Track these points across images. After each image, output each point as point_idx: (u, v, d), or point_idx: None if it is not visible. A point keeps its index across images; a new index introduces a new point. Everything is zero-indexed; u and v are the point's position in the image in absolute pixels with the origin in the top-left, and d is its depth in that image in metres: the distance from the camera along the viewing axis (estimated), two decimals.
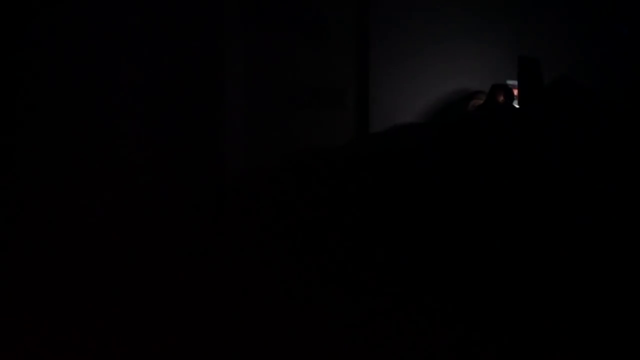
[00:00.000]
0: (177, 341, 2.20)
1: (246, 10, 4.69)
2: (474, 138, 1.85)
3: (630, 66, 4.99)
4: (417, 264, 1.71)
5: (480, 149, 1.79)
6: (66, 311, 2.92)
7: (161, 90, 4.29)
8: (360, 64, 4.93)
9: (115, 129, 4.07)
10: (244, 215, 2.19)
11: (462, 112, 4.72)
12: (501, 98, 4.41)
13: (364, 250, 1.80)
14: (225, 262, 2.22)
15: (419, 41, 4.99)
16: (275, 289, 1.94)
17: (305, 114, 4.78)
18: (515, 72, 3.49)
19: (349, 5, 4.91)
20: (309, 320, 1.83)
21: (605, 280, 1.58)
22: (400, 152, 1.89)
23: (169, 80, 4.31)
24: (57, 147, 3.87)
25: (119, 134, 4.08)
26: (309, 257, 1.89)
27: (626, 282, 1.57)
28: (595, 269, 1.59)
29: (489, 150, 1.79)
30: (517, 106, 3.85)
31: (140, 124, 4.19)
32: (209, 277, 2.35)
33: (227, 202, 3.47)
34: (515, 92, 4.37)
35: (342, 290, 1.83)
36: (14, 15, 3.75)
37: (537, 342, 1.58)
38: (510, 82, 4.55)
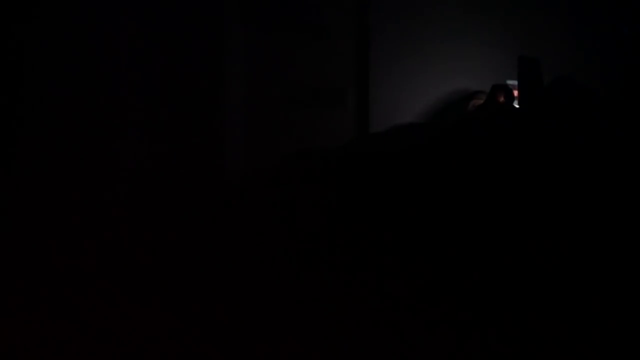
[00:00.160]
0: (177, 341, 2.20)
1: (246, 10, 4.69)
2: (474, 138, 1.85)
3: (630, 66, 4.98)
4: (418, 264, 1.71)
5: (480, 149, 1.79)
6: (66, 311, 2.92)
7: (161, 90, 4.29)
8: (360, 64, 4.93)
9: (115, 129, 4.06)
10: (244, 215, 2.19)
11: (462, 112, 4.72)
12: (501, 98, 4.41)
13: (364, 250, 1.80)
14: (226, 262, 2.22)
15: (419, 41, 4.99)
16: (276, 290, 1.94)
17: (305, 114, 4.78)
18: (515, 72, 3.49)
19: (349, 5, 4.91)
20: (309, 320, 1.83)
21: (606, 281, 1.58)
22: (400, 153, 1.89)
23: (169, 80, 4.31)
24: (57, 147, 3.87)
25: (119, 134, 4.08)
26: (309, 258, 1.89)
27: (627, 283, 1.57)
28: (596, 270, 1.59)
29: (489, 151, 1.78)
30: (517, 106, 3.85)
31: (139, 123, 4.19)
32: (209, 277, 2.35)
33: (227, 202, 3.46)
34: (515, 92, 4.37)
35: (343, 290, 1.83)
36: (13, 14, 3.75)
37: (538, 343, 1.58)
38: (510, 82, 4.55)
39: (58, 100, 3.89)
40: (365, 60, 4.94)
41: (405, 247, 1.72)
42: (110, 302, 2.77)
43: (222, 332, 2.07)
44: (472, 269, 1.64)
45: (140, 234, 3.37)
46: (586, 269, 1.60)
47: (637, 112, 2.00)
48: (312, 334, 1.82)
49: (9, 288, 3.09)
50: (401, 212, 1.75)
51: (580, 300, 1.58)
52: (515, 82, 3.97)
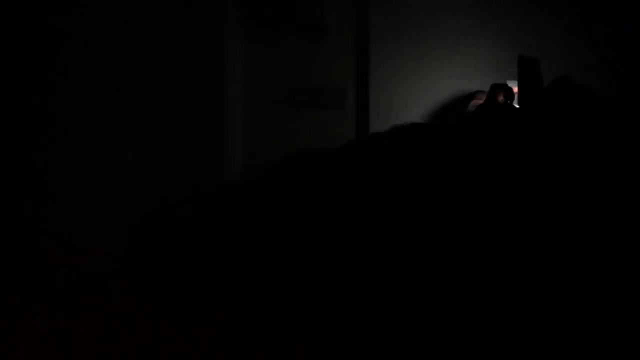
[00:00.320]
0: (177, 341, 2.20)
1: (246, 10, 4.70)
2: (474, 138, 1.85)
3: (630, 66, 4.99)
4: (418, 264, 1.71)
5: (480, 149, 1.79)
6: (66, 311, 2.92)
7: (161, 90, 4.29)
8: (360, 64, 4.94)
9: (115, 129, 4.07)
10: (244, 215, 2.19)
11: (462, 112, 4.72)
12: (501, 98, 4.42)
13: (364, 250, 1.80)
14: (226, 262, 2.22)
15: (419, 41, 4.99)
16: (277, 290, 1.94)
17: (305, 114, 4.79)
18: (515, 72, 3.49)
19: (348, 5, 4.91)
20: (310, 320, 1.83)
21: (607, 283, 1.59)
22: (400, 153, 1.89)
23: (169, 80, 4.31)
24: (56, 147, 3.87)
25: (119, 134, 4.08)
26: (309, 258, 1.89)
27: (628, 285, 1.57)
28: (596, 271, 1.59)
29: (489, 151, 1.79)
30: (517, 106, 3.86)
31: (139, 123, 4.19)
32: (209, 278, 2.35)
33: (226, 202, 3.46)
34: (515, 91, 4.38)
35: (342, 291, 1.84)
36: (12, 12, 3.75)
37: (538, 343, 1.58)
38: (510, 82, 4.55)
39: (58, 100, 3.89)
40: (365, 60, 4.94)
41: (406, 248, 1.72)
42: (109, 302, 2.77)
43: (223, 332, 2.08)
44: (473, 269, 1.64)
45: (140, 234, 3.37)
46: (586, 270, 1.60)
47: (637, 112, 2.01)
48: (312, 334, 1.83)
49: (9, 288, 3.09)
50: (401, 213, 1.75)
51: (580, 301, 1.58)
52: (515, 82, 3.97)
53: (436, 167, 1.77)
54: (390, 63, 4.95)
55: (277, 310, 1.88)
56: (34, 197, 3.73)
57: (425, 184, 1.73)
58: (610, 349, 1.54)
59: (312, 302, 1.80)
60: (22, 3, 3.78)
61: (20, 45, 3.78)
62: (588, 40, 5.09)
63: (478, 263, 1.62)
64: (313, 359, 1.75)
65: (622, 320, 1.54)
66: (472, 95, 4.83)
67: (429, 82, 4.99)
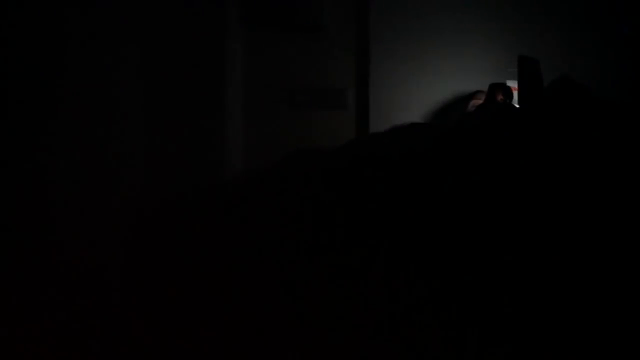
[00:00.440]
0: (176, 341, 2.20)
1: (246, 10, 4.70)
2: (474, 138, 1.85)
3: (630, 66, 4.99)
4: (418, 264, 1.71)
5: (480, 149, 1.79)
6: (65, 311, 2.92)
7: (160, 90, 4.29)
8: (360, 64, 4.94)
9: (114, 129, 4.07)
10: (244, 215, 2.19)
11: (462, 112, 4.72)
12: (500, 97, 4.42)
13: (364, 250, 1.80)
14: (225, 262, 2.22)
15: (419, 41, 4.99)
16: (276, 290, 1.94)
17: (305, 114, 4.79)
18: (515, 72, 3.49)
19: (348, 5, 4.91)
20: (310, 321, 1.83)
21: (607, 283, 1.58)
22: (400, 153, 1.89)
23: (168, 80, 4.31)
24: (56, 146, 3.87)
25: (118, 134, 4.08)
26: (308, 258, 1.89)
27: (628, 285, 1.57)
28: (597, 272, 1.59)
29: (488, 151, 1.78)
30: (516, 106, 3.86)
31: (138, 123, 4.19)
32: (209, 278, 2.35)
33: (227, 202, 3.46)
34: (515, 90, 4.38)
35: (342, 291, 1.84)
36: (12, 11, 3.75)
37: (538, 344, 1.58)
38: (510, 82, 4.56)
39: (57, 100, 3.89)
40: (365, 60, 4.94)
41: (405, 248, 1.72)
42: (109, 303, 2.77)
43: (223, 332, 2.07)
44: (473, 269, 1.64)
45: (139, 234, 3.37)
46: (587, 270, 1.60)
47: (637, 112, 2.01)
48: (311, 336, 1.83)
49: (9, 289, 3.09)
50: (401, 213, 1.75)
51: (580, 302, 1.58)
52: (515, 82, 3.97)
53: (436, 167, 1.77)
54: (390, 63, 4.95)
55: (277, 310, 1.88)
56: (34, 196, 3.73)
57: (425, 183, 1.73)
58: (610, 349, 1.54)
59: (312, 302, 1.80)
60: (22, 3, 3.78)
61: (20, 45, 3.78)
62: (588, 40, 5.09)
63: (478, 263, 1.62)
64: (309, 357, 1.75)
65: (622, 321, 1.54)
66: (472, 95, 4.83)
67: (429, 82, 4.99)
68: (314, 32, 4.80)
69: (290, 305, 1.88)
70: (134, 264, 2.69)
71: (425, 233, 1.71)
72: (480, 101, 4.62)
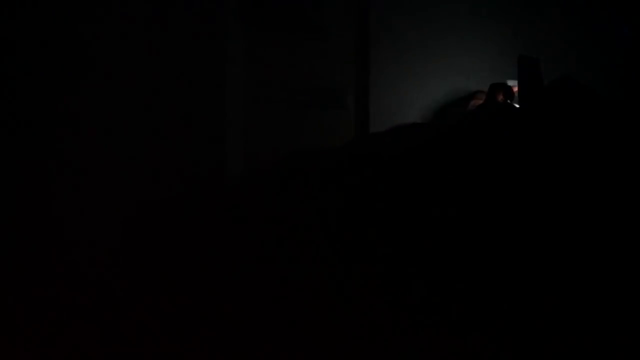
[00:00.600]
0: (177, 341, 2.20)
1: (246, 10, 4.69)
2: (474, 138, 1.85)
3: (630, 66, 4.99)
4: (418, 264, 1.71)
5: (480, 148, 1.79)
6: (65, 311, 2.92)
7: (161, 90, 4.29)
8: (360, 64, 4.93)
9: (115, 129, 4.06)
10: (245, 215, 2.19)
11: (462, 112, 4.72)
12: (500, 97, 4.42)
13: (364, 251, 1.80)
14: (224, 261, 2.22)
15: (419, 41, 4.99)
16: (275, 289, 1.94)
17: (305, 114, 4.78)
18: (515, 72, 3.49)
19: (349, 5, 4.91)
20: (309, 320, 1.83)
21: (606, 281, 1.58)
22: (400, 153, 1.89)
23: (169, 81, 4.31)
24: (57, 147, 3.87)
25: (119, 135, 4.08)
26: (307, 257, 1.89)
27: (628, 285, 1.57)
28: (596, 270, 1.59)
29: (488, 150, 1.78)
30: (516, 105, 3.85)
31: (139, 123, 4.19)
32: (209, 278, 2.35)
33: (227, 201, 3.47)
34: (515, 91, 4.37)
35: (342, 291, 1.83)
36: (15, 11, 3.75)
37: (538, 344, 1.58)
38: (510, 82, 4.55)
39: (58, 101, 3.89)
40: (365, 60, 4.94)
41: (405, 247, 1.72)
42: (109, 303, 2.77)
43: (223, 332, 2.07)
44: (473, 269, 1.64)
45: (140, 233, 3.37)
46: (587, 268, 1.60)
47: (637, 112, 2.00)
48: (312, 335, 1.82)
49: (9, 289, 3.09)
50: (401, 211, 1.75)
51: (580, 302, 1.58)
52: (515, 82, 3.97)
53: (436, 167, 1.77)
54: (390, 63, 4.95)
55: (276, 309, 1.88)
56: (35, 197, 3.73)
57: (425, 182, 1.73)
58: (610, 349, 1.54)
59: (312, 302, 1.80)
60: (22, 3, 3.78)
61: (21, 45, 3.78)
62: (588, 40, 5.08)
63: (478, 263, 1.62)
64: (311, 358, 1.75)
65: (621, 319, 1.54)
66: (472, 95, 4.83)
67: (429, 82, 4.99)
68: (314, 32, 4.80)
69: (290, 305, 1.88)
70: (134, 263, 2.70)
71: (426, 232, 1.71)
72: (480, 101, 4.62)
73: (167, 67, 4.31)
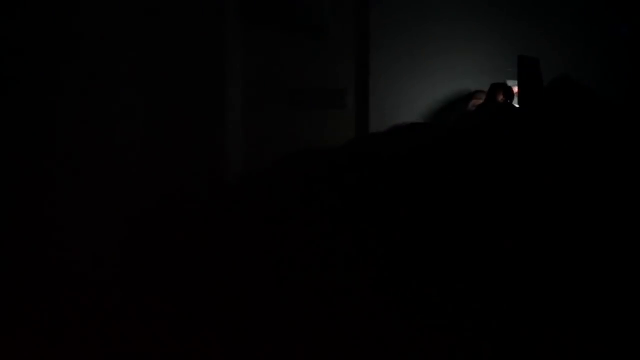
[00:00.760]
0: (177, 341, 2.20)
1: (246, 10, 4.69)
2: (474, 138, 1.85)
3: (630, 66, 4.99)
4: (418, 265, 1.71)
5: (480, 149, 1.79)
6: (65, 311, 2.92)
7: (161, 90, 4.29)
8: (360, 64, 4.94)
9: (114, 129, 4.07)
10: (243, 215, 2.19)
11: (462, 112, 4.72)
12: (500, 97, 4.42)
13: (363, 250, 1.80)
14: (224, 262, 2.22)
15: (419, 41, 4.99)
16: (275, 290, 1.94)
17: (305, 114, 4.79)
18: (515, 72, 3.49)
19: (349, 5, 4.91)
20: (309, 320, 1.83)
21: (606, 283, 1.58)
22: (400, 152, 1.89)
23: (169, 80, 4.31)
24: (55, 146, 3.87)
25: (118, 134, 4.08)
26: (307, 258, 1.89)
27: (627, 286, 1.57)
28: (597, 272, 1.59)
29: (489, 150, 1.79)
30: (517, 106, 3.86)
31: (139, 123, 4.19)
32: (209, 279, 2.35)
33: (227, 202, 3.46)
34: (515, 91, 4.38)
35: (341, 291, 1.84)
36: (13, 10, 3.75)
37: (537, 343, 1.58)
38: (510, 82, 4.56)
39: (57, 100, 3.89)
40: (365, 60, 4.94)
41: (405, 248, 1.72)
42: (109, 303, 2.77)
43: (223, 332, 2.08)
44: (474, 269, 1.64)
45: (140, 234, 3.37)
46: (587, 270, 1.60)
47: (637, 112, 2.01)
48: (311, 335, 1.83)
49: (9, 289, 3.09)
50: (401, 212, 1.75)
51: (579, 302, 1.58)
52: (515, 82, 3.97)
53: (436, 167, 1.77)
54: (390, 63, 4.95)
55: (276, 310, 1.88)
56: (34, 196, 3.73)
57: (425, 183, 1.73)
58: (610, 349, 1.54)
59: (310, 302, 1.80)
60: (22, 3, 3.78)
61: (21, 45, 3.78)
62: (588, 40, 5.09)
63: (477, 263, 1.62)
64: (308, 357, 1.75)
65: (621, 321, 1.54)
66: (472, 95, 4.83)
67: (429, 82, 4.99)
68: (314, 32, 4.80)
69: (290, 305, 1.88)
70: (134, 263, 2.70)
71: (426, 232, 1.71)
72: (481, 101, 4.62)
73: (167, 67, 4.31)
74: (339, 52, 4.89)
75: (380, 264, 1.77)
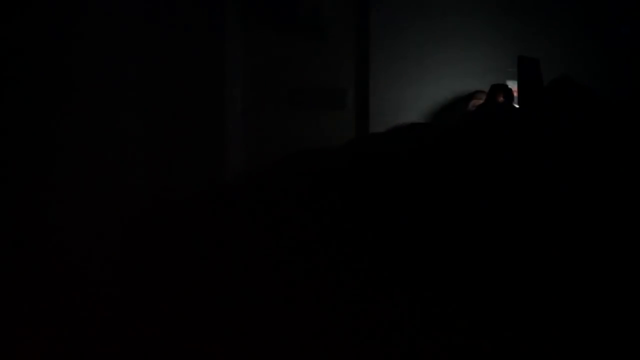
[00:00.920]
0: (178, 342, 2.20)
1: (246, 9, 4.70)
2: (474, 138, 1.85)
3: (630, 66, 4.99)
4: (417, 264, 1.71)
5: (480, 148, 1.79)
6: (65, 311, 2.92)
7: (161, 90, 4.29)
8: (360, 64, 4.94)
9: (115, 129, 4.07)
10: (244, 215, 2.19)
11: (462, 112, 4.72)
12: (500, 98, 4.41)
13: (363, 251, 1.80)
14: (226, 262, 2.23)
15: (419, 41, 4.99)
16: (274, 289, 1.94)
17: (305, 114, 4.79)
18: (515, 72, 3.49)
19: (349, 5, 4.91)
20: (309, 320, 1.83)
21: (605, 282, 1.58)
22: (400, 153, 1.89)
23: (169, 80, 4.31)
24: (56, 146, 3.87)
25: (119, 134, 4.08)
26: (308, 258, 1.89)
27: (626, 284, 1.57)
28: (596, 270, 1.59)
29: (489, 150, 1.79)
30: (517, 106, 3.85)
31: (139, 123, 4.19)
32: (208, 278, 2.35)
33: (227, 202, 3.46)
34: (515, 91, 4.37)
35: (341, 291, 1.84)
36: (13, 11, 3.75)
37: (537, 343, 1.58)
38: (510, 82, 4.55)
39: (58, 99, 3.89)
40: (365, 60, 4.94)
41: (405, 247, 1.72)
42: (110, 303, 2.77)
43: (223, 332, 2.08)
44: (474, 269, 1.64)
45: (140, 234, 3.37)
46: (586, 268, 1.60)
47: (637, 112, 2.01)
48: (310, 335, 1.83)
49: (9, 289, 3.09)
50: (401, 211, 1.75)
51: (578, 302, 1.58)
52: (515, 82, 3.96)
53: (436, 167, 1.77)
54: (390, 63, 4.95)
55: (276, 310, 1.88)
56: (34, 197, 3.73)
57: (425, 182, 1.73)
58: (609, 348, 1.54)
59: (310, 302, 1.80)
60: (23, 3, 3.78)
61: (22, 45, 3.78)
62: (588, 40, 5.08)
63: (478, 261, 1.62)
64: (309, 357, 1.75)
65: (621, 320, 1.54)
66: (472, 95, 4.83)
67: (429, 82, 4.98)
68: (314, 32, 4.80)
69: (290, 305, 1.88)
70: (134, 262, 2.70)
71: (427, 232, 1.71)
72: (481, 101, 4.61)
73: (166, 67, 4.31)
74: (339, 52, 4.89)
75: (381, 264, 1.77)
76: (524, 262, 1.64)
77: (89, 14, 3.99)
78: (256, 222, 2.11)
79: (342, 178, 1.95)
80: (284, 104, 4.79)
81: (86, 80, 3.99)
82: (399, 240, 1.75)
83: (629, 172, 1.70)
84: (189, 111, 4.34)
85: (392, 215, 1.78)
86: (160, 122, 4.25)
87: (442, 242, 1.69)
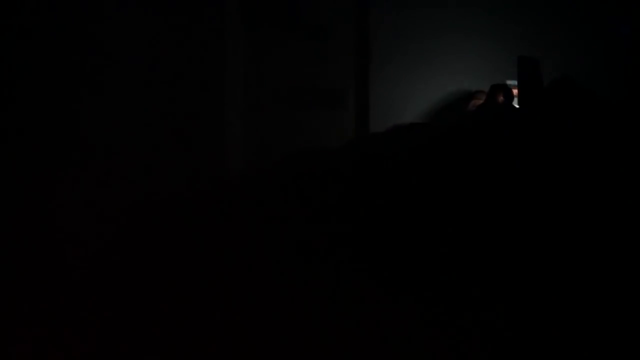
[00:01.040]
0: (177, 341, 2.20)
1: (246, 10, 4.70)
2: (474, 138, 1.85)
3: (630, 66, 4.99)
4: (416, 264, 1.71)
5: (480, 148, 1.79)
6: (65, 312, 2.92)
7: (162, 90, 4.29)
8: (360, 64, 4.94)
9: (115, 129, 4.07)
10: (245, 215, 2.20)
11: (462, 112, 4.72)
12: (500, 98, 4.41)
13: (363, 251, 1.80)
14: (226, 262, 2.23)
15: (419, 41, 4.99)
16: (273, 288, 1.94)
17: (305, 114, 4.79)
18: (515, 72, 3.49)
19: (349, 6, 4.91)
20: (309, 320, 1.83)
21: (605, 283, 1.59)
22: (400, 153, 1.89)
23: (170, 80, 4.31)
24: (56, 146, 3.87)
25: (118, 134, 4.08)
26: (308, 258, 1.89)
27: (626, 285, 1.57)
28: (596, 269, 1.59)
29: (489, 150, 1.79)
30: (516, 106, 3.85)
31: (140, 123, 4.19)
32: (209, 278, 2.35)
33: (228, 201, 3.46)
34: (515, 92, 4.37)
35: (341, 291, 1.84)
36: (13, 11, 3.75)
37: (537, 343, 1.58)
38: (510, 82, 4.55)
39: (59, 98, 3.89)
40: (365, 60, 4.94)
41: (406, 247, 1.72)
42: (110, 303, 2.77)
43: (223, 332, 2.08)
44: (473, 269, 1.64)
45: (140, 233, 3.37)
46: (586, 268, 1.60)
47: (637, 112, 2.01)
48: (310, 334, 1.83)
49: (9, 290, 3.09)
50: (401, 211, 1.75)
51: (578, 302, 1.58)
52: (515, 82, 3.96)
53: (436, 166, 1.77)
54: (390, 63, 4.95)
55: (276, 309, 1.88)
56: (35, 196, 3.73)
57: (425, 182, 1.73)
58: (609, 348, 1.54)
59: (311, 302, 1.80)
60: (23, 3, 3.78)
61: (22, 45, 3.79)
62: (588, 40, 5.08)
63: (477, 261, 1.62)
64: (308, 356, 1.75)
65: (621, 319, 1.55)
66: (472, 95, 4.83)
67: (429, 82, 4.99)
68: (314, 32, 4.81)
69: (290, 305, 1.88)
70: (134, 262, 2.70)
71: (427, 232, 1.71)
72: (481, 101, 4.61)
73: (167, 67, 4.31)
74: (339, 52, 4.89)
75: (381, 264, 1.77)
76: (525, 262, 1.64)
77: (89, 14, 3.99)
78: (256, 222, 2.11)
79: (342, 178, 1.95)
80: (284, 104, 4.79)
81: (86, 80, 3.99)
82: (400, 240, 1.75)
83: (629, 172, 1.70)
84: (190, 111, 4.34)
85: (392, 215, 1.78)
86: (161, 122, 4.25)
87: (442, 242, 1.69)
